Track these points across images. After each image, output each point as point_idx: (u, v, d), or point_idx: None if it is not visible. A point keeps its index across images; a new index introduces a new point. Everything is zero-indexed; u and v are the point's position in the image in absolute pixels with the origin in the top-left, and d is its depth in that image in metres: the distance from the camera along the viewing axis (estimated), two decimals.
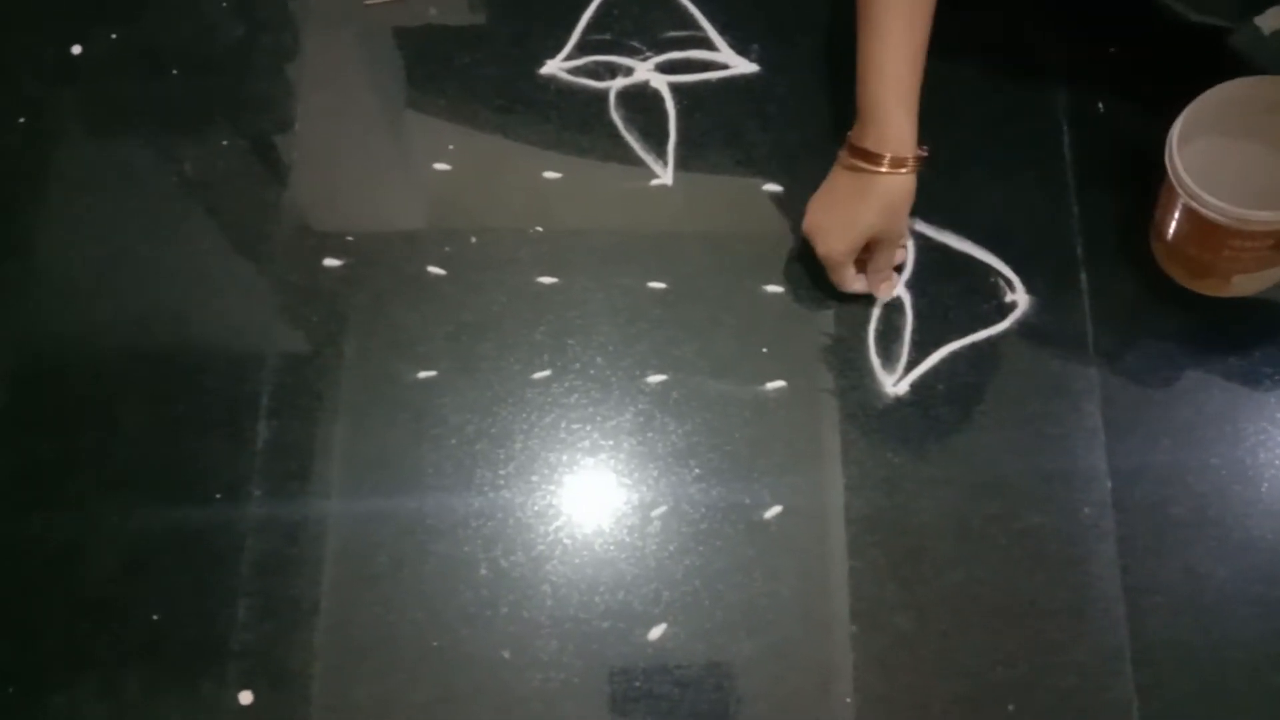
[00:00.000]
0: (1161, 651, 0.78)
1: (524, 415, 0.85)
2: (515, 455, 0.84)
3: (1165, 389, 0.84)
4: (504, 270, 0.89)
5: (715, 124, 0.93)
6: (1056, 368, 0.85)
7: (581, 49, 0.96)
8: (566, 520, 0.82)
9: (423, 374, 0.86)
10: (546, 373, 0.86)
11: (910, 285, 0.88)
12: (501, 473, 0.84)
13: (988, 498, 0.82)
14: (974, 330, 0.86)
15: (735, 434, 0.84)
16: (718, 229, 0.91)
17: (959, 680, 0.78)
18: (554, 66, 0.96)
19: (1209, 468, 0.82)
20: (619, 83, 0.95)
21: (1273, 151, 0.81)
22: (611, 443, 0.84)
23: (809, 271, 0.87)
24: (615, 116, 0.94)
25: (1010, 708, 0.77)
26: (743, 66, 0.95)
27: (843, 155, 0.82)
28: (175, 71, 0.97)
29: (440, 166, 0.93)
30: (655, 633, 0.79)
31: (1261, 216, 0.75)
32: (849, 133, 0.81)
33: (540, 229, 0.91)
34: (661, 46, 0.95)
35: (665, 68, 0.95)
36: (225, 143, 0.95)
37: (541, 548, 0.82)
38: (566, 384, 0.86)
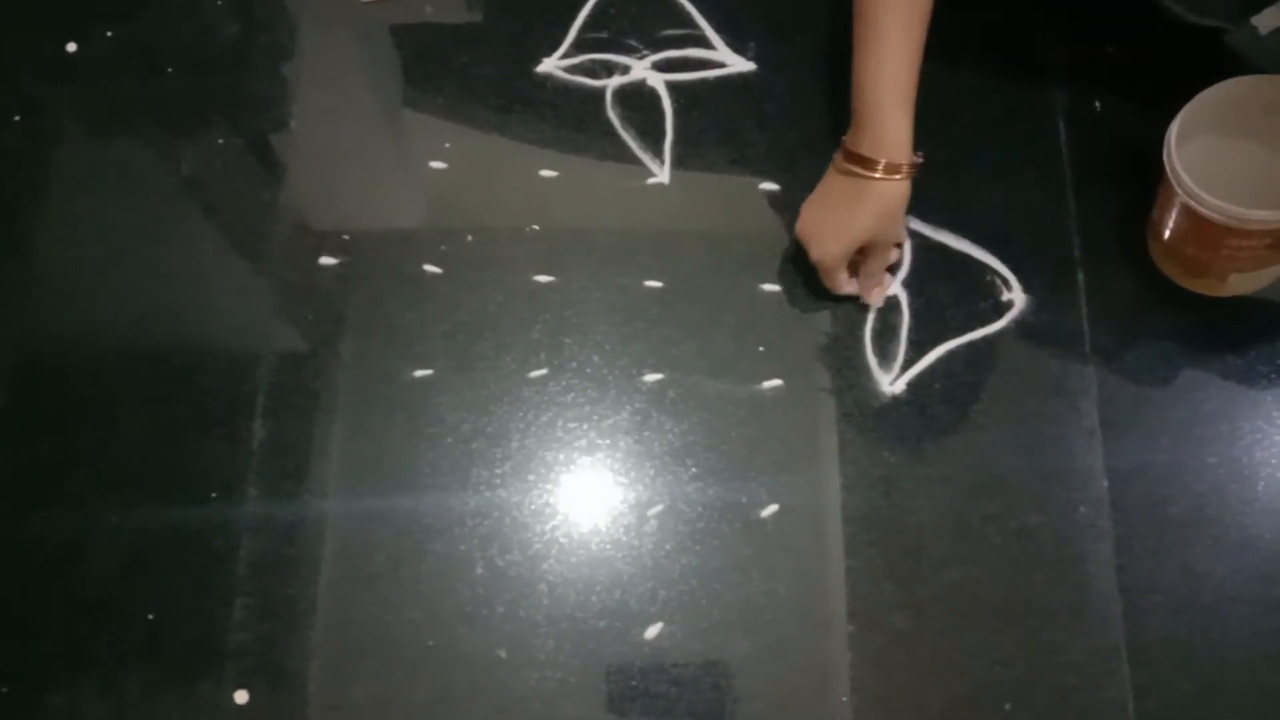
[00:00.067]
0: (1159, 651, 0.78)
1: (520, 414, 0.85)
2: (512, 454, 0.84)
3: (1162, 388, 0.84)
4: (501, 269, 0.89)
5: (712, 122, 0.93)
6: (1054, 367, 0.85)
7: (578, 47, 0.96)
8: (563, 519, 0.82)
9: (419, 373, 0.86)
10: (543, 371, 0.86)
11: (907, 284, 0.88)
12: (498, 472, 0.83)
13: (985, 497, 0.82)
14: (971, 329, 0.86)
15: (732, 433, 0.84)
16: (715, 228, 0.91)
17: (956, 679, 0.78)
18: (551, 65, 0.96)
19: (1206, 467, 0.82)
20: (616, 81, 0.95)
21: (1270, 151, 0.81)
22: (608, 442, 0.84)
23: (806, 271, 0.87)
24: (612, 115, 0.94)
25: (1007, 707, 0.77)
26: (739, 65, 0.95)
27: (837, 159, 0.82)
28: (171, 70, 0.97)
29: (437, 165, 0.93)
30: (652, 632, 0.79)
31: (1259, 215, 0.75)
32: (844, 137, 0.81)
33: (537, 228, 0.91)
34: (658, 45, 0.95)
35: (662, 66, 0.95)
36: (222, 141, 0.95)
37: (538, 547, 0.82)
38: (563, 383, 0.86)
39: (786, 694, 0.78)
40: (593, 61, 0.95)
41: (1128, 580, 0.79)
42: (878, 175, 0.78)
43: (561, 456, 0.84)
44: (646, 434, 0.84)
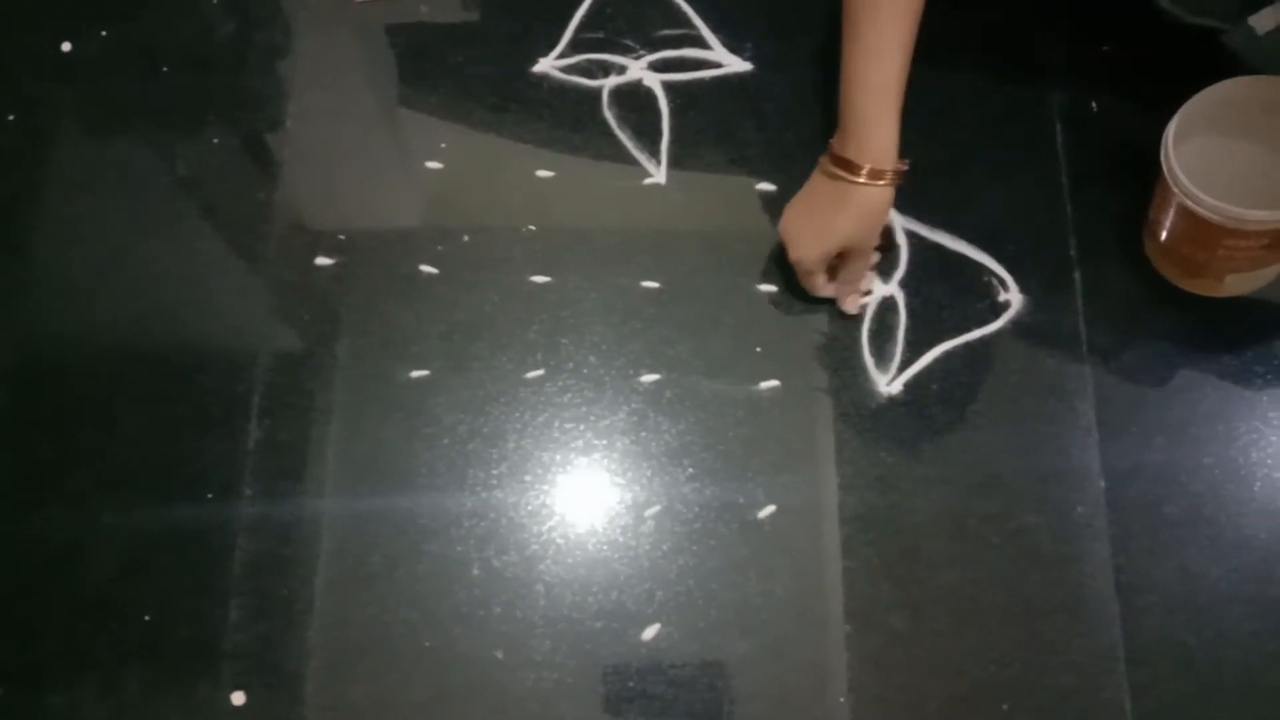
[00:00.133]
0: (1156, 651, 0.78)
1: (517, 414, 0.85)
2: (508, 455, 0.84)
3: (1159, 388, 0.84)
4: (497, 269, 0.89)
5: (708, 122, 0.93)
6: (1050, 367, 0.85)
7: (575, 47, 0.96)
8: (560, 520, 0.82)
9: (416, 373, 0.86)
10: (540, 372, 0.86)
11: (904, 285, 0.87)
12: (494, 472, 0.83)
13: (982, 497, 0.82)
14: (968, 330, 0.86)
15: (729, 433, 0.84)
16: (711, 228, 0.91)
17: (953, 679, 0.78)
18: (547, 65, 0.95)
19: (1203, 467, 0.82)
20: (612, 81, 0.95)
21: (1268, 151, 0.81)
22: (605, 442, 0.84)
23: None
24: (608, 115, 0.93)
25: (1005, 707, 0.77)
26: (736, 65, 0.95)
27: (823, 161, 0.82)
28: (168, 70, 0.97)
29: (433, 165, 0.93)
30: (649, 632, 0.79)
31: (1256, 216, 0.75)
32: (831, 139, 0.81)
33: (533, 228, 0.91)
34: (655, 45, 0.95)
35: (658, 66, 0.95)
36: (217, 141, 0.95)
37: (535, 547, 0.82)
38: (560, 383, 0.86)
39: (784, 694, 0.78)
40: (589, 61, 0.95)
41: (1125, 580, 0.79)
42: (862, 180, 0.79)
43: (558, 457, 0.84)
44: (643, 434, 0.84)
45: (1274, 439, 0.82)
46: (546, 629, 0.79)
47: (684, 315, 0.87)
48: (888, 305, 0.87)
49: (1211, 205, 0.75)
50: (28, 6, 1.00)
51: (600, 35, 0.96)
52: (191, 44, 0.98)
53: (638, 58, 0.95)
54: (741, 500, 0.82)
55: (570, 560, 0.81)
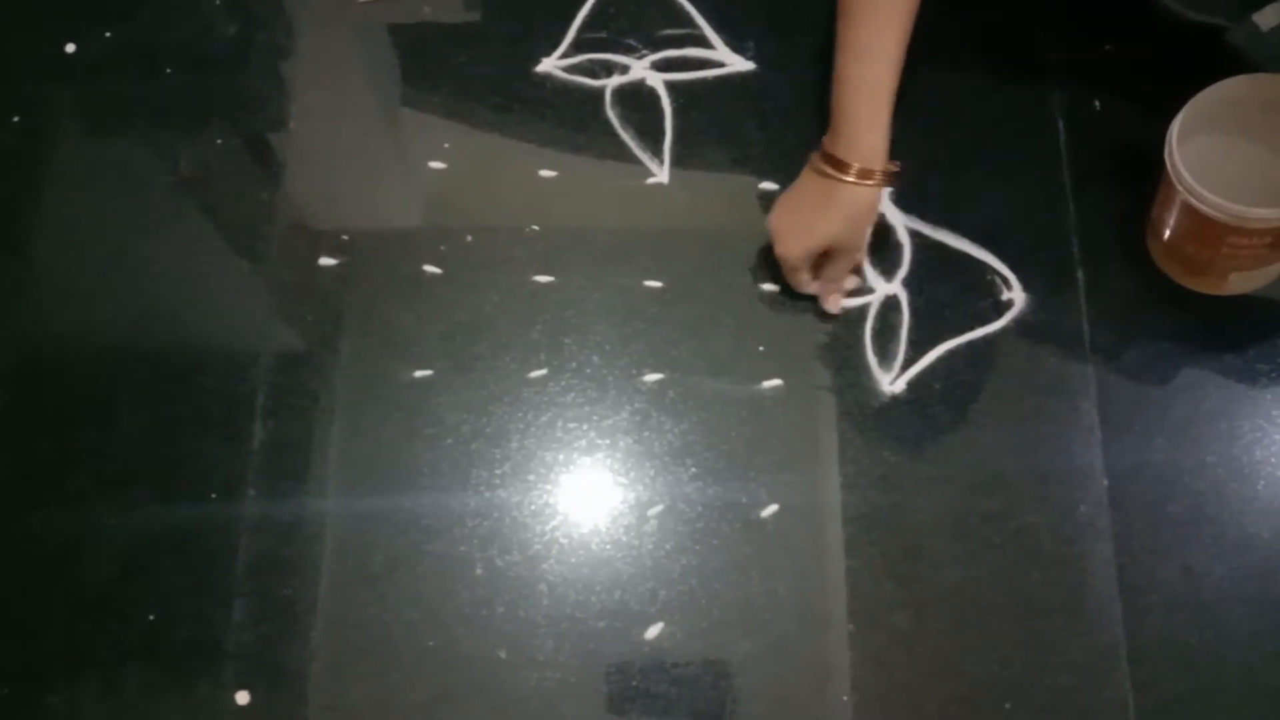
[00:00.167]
0: (1158, 650, 0.78)
1: (520, 414, 0.85)
2: (511, 455, 0.84)
3: (1162, 387, 0.84)
4: (500, 269, 0.89)
5: (711, 122, 0.93)
6: (1053, 366, 0.85)
7: (577, 47, 0.96)
8: (563, 520, 0.82)
9: (418, 373, 0.86)
10: (542, 372, 0.86)
11: (907, 284, 0.87)
12: (497, 472, 0.83)
13: (984, 496, 0.82)
14: (970, 329, 0.86)
15: (732, 433, 0.84)
16: (714, 227, 0.91)
17: (956, 679, 0.78)
18: (550, 65, 0.95)
19: (1205, 466, 0.82)
20: (615, 81, 0.95)
21: (1271, 150, 0.81)
22: (608, 442, 0.84)
23: None
24: (611, 115, 0.93)
25: (1007, 706, 0.77)
26: (739, 64, 0.95)
27: (814, 159, 0.82)
28: (170, 70, 0.97)
29: (436, 165, 0.93)
30: (652, 632, 0.79)
31: (1260, 214, 0.75)
32: (823, 137, 0.81)
33: (536, 228, 0.91)
34: (657, 44, 0.95)
35: (661, 66, 0.95)
36: (220, 141, 0.95)
37: (538, 547, 0.81)
38: (563, 383, 0.86)
39: (786, 694, 0.78)
40: (592, 61, 0.95)
41: (1127, 579, 0.79)
42: (850, 179, 0.79)
43: (561, 457, 0.84)
44: (646, 434, 0.84)
45: (1277, 437, 0.82)
46: (549, 628, 0.79)
47: (686, 315, 0.87)
48: (890, 304, 0.87)
49: (1215, 203, 0.75)
50: (30, 7, 1.00)
51: (603, 35, 0.96)
52: (193, 44, 0.98)
53: (640, 57, 0.95)
54: (744, 499, 0.82)
55: (573, 560, 0.81)
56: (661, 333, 0.87)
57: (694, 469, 0.83)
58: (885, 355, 0.86)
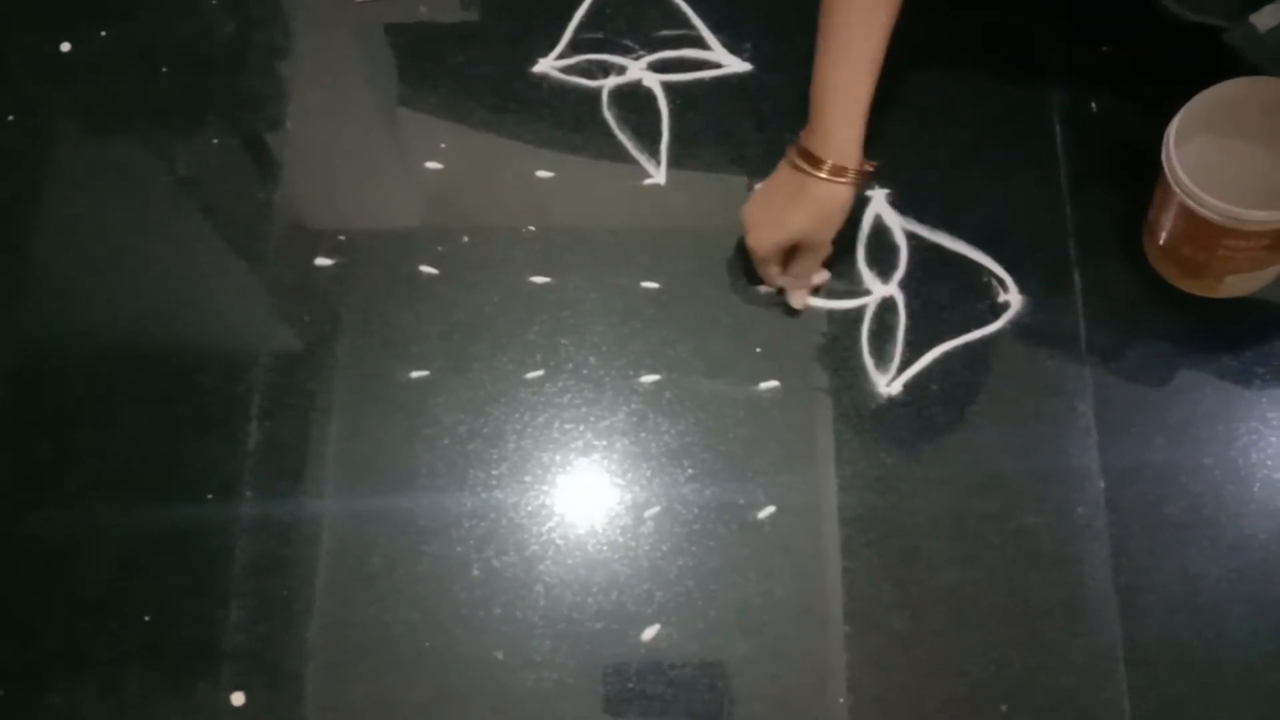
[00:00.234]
0: (1155, 651, 0.78)
1: (517, 415, 0.85)
2: (508, 455, 0.84)
3: (1159, 389, 0.84)
4: (497, 270, 0.89)
5: (708, 123, 0.93)
6: (1050, 368, 0.85)
7: (574, 47, 0.96)
8: (559, 521, 0.82)
9: (415, 374, 0.86)
10: (540, 372, 0.86)
11: (904, 285, 0.87)
12: (494, 473, 0.83)
13: (981, 498, 0.82)
14: (967, 330, 0.86)
15: (729, 434, 0.84)
16: (711, 228, 0.90)
17: (953, 680, 0.78)
18: (547, 65, 0.95)
19: (1203, 467, 0.82)
20: (612, 81, 0.95)
21: (1268, 152, 0.81)
22: (605, 443, 0.84)
23: None
24: (608, 115, 0.93)
25: (1004, 708, 0.77)
26: (735, 65, 0.95)
27: (790, 153, 0.82)
28: (167, 70, 0.97)
29: (433, 165, 0.93)
30: (649, 633, 0.79)
31: (1257, 216, 0.75)
32: (801, 132, 0.81)
33: (533, 228, 0.91)
34: (654, 45, 0.95)
35: (658, 66, 0.95)
36: (217, 141, 0.95)
37: (534, 548, 0.82)
38: (560, 384, 0.86)
39: (784, 695, 0.78)
40: (589, 62, 0.95)
41: (1124, 580, 0.79)
42: (823, 175, 0.79)
43: (558, 458, 0.84)
44: (643, 435, 0.84)
45: (1274, 439, 0.82)
46: (546, 629, 0.79)
47: (684, 315, 0.87)
48: (887, 306, 0.87)
49: (1212, 205, 0.75)
50: (28, 7, 1.00)
51: (600, 35, 0.96)
52: (191, 44, 0.98)
53: (637, 58, 0.95)
54: (741, 501, 0.82)
55: (570, 561, 0.81)
56: (659, 334, 0.87)
57: (691, 470, 0.83)
58: (882, 357, 0.86)
